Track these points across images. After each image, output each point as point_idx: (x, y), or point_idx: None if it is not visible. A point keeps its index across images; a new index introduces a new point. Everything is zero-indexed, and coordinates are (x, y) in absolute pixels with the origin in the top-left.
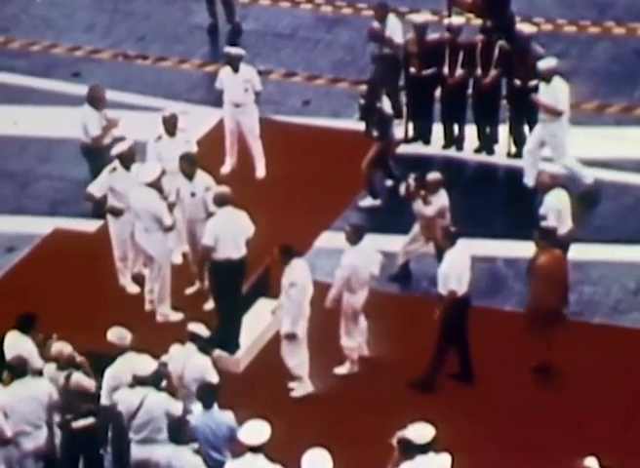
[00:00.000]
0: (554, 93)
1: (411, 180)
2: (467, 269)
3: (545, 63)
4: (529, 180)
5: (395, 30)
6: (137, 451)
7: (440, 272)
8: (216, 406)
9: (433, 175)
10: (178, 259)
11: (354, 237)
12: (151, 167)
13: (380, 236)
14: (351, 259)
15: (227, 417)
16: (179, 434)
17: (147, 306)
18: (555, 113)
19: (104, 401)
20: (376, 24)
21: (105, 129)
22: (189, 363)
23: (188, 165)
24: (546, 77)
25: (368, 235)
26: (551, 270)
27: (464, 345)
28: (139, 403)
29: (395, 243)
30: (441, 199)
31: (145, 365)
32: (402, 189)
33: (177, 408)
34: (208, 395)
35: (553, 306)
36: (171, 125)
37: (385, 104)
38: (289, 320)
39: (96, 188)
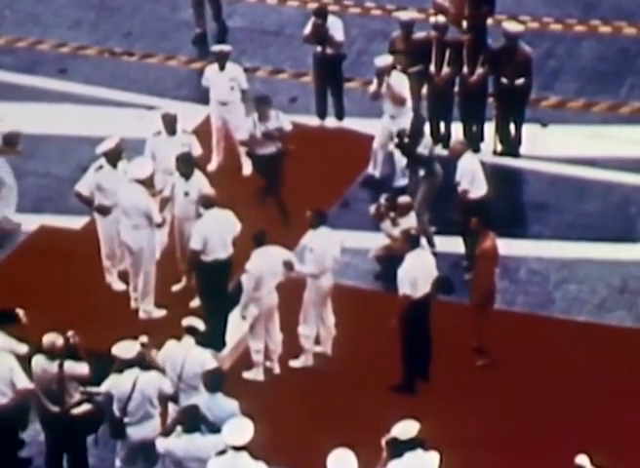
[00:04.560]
0: (397, 84)
1: (382, 201)
2: (427, 273)
3: (382, 60)
4: (377, 173)
5: (336, 29)
6: (133, 432)
7: (398, 275)
8: (220, 393)
9: (404, 199)
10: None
11: (316, 221)
12: (143, 163)
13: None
14: (320, 242)
15: (231, 405)
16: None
17: (133, 304)
18: (402, 102)
19: None
20: (316, 24)
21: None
22: (189, 357)
23: (185, 165)
24: (386, 73)
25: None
26: (493, 252)
27: (426, 346)
28: (131, 386)
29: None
30: (410, 221)
31: (128, 347)
32: (372, 209)
33: (168, 385)
34: (213, 380)
35: (494, 287)
36: (169, 123)
37: (424, 146)
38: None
39: (84, 187)
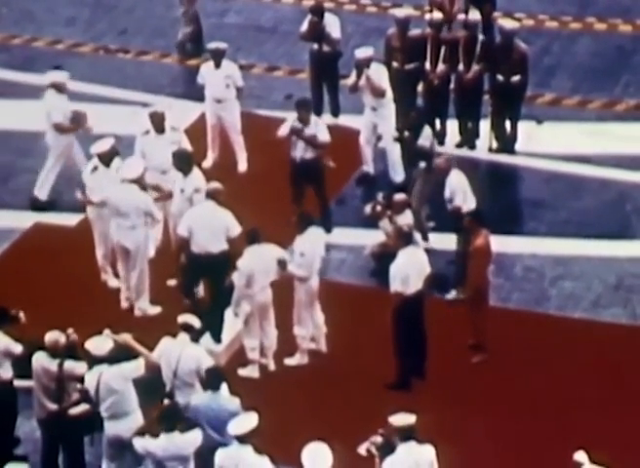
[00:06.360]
0: (376, 76)
1: (379, 198)
2: (420, 269)
3: (362, 52)
4: (370, 169)
5: (333, 26)
6: (109, 427)
7: (390, 272)
8: (224, 390)
9: (399, 196)
10: (151, 253)
11: (302, 224)
12: (134, 163)
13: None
14: (310, 245)
15: (232, 403)
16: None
17: (124, 304)
18: (382, 94)
19: None
20: (313, 21)
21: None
22: (184, 354)
23: (181, 162)
24: (365, 65)
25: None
26: (486, 249)
27: (421, 342)
28: (95, 383)
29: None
30: (406, 219)
31: (99, 344)
32: (368, 208)
33: (135, 367)
34: (214, 378)
35: (487, 284)
36: (158, 121)
37: (424, 138)
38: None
39: (95, 194)
